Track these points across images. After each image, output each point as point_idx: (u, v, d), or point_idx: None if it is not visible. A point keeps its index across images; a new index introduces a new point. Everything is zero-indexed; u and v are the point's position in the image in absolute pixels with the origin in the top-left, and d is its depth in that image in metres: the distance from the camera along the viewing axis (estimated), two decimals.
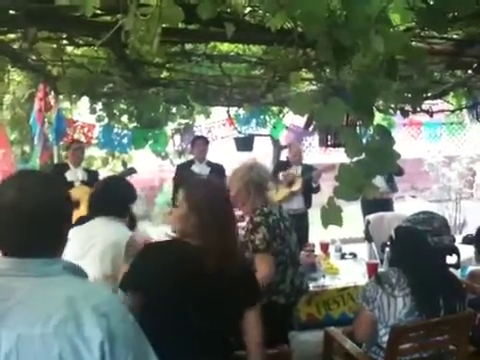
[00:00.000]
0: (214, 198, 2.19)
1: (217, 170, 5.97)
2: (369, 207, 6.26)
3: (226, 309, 2.08)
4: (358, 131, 2.18)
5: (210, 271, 2.00)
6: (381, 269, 4.23)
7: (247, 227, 3.14)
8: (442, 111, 6.53)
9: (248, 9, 3.04)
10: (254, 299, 2.21)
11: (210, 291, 2.03)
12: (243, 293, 2.13)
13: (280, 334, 3.12)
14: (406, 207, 7.69)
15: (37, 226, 1.30)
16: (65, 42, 4.16)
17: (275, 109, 7.53)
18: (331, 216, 1.96)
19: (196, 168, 6.01)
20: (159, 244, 2.31)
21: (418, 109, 5.27)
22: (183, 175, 5.86)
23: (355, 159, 2.00)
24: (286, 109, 7.14)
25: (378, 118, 5.05)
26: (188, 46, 4.14)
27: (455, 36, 3.52)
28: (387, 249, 4.11)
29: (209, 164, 6.13)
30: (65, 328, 1.20)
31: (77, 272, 1.37)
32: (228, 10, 2.83)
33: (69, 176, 5.26)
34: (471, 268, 4.04)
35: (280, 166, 6.71)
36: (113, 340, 1.22)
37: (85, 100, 6.66)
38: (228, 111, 7.06)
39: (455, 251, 3.63)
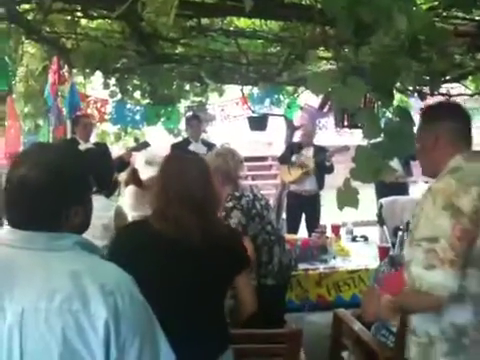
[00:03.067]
0: (188, 170, 2.09)
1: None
2: (384, 190, 6.18)
3: (213, 282, 2.04)
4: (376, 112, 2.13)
5: (191, 248, 1.95)
6: (392, 253, 4.19)
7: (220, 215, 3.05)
8: (460, 95, 6.40)
9: None
10: (241, 266, 2.18)
11: (193, 267, 1.98)
12: (228, 262, 2.08)
13: (274, 316, 3.08)
14: (419, 191, 7.62)
15: (45, 199, 1.28)
16: (79, 14, 4.12)
17: (290, 89, 7.44)
18: (347, 198, 1.92)
19: (193, 147, 6.01)
20: (137, 223, 2.22)
21: (436, 92, 5.18)
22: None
23: (373, 141, 1.96)
24: (301, 89, 7.04)
25: (395, 101, 4.98)
26: (204, 21, 4.08)
27: (477, 17, 3.43)
28: (400, 233, 4.08)
29: (205, 143, 6.23)
30: (71, 304, 1.18)
31: (90, 249, 1.35)
32: None
33: None
34: None
35: (292, 147, 6.69)
36: (119, 320, 1.20)
37: (98, 75, 6.62)
38: (242, 89, 6.99)
39: None
